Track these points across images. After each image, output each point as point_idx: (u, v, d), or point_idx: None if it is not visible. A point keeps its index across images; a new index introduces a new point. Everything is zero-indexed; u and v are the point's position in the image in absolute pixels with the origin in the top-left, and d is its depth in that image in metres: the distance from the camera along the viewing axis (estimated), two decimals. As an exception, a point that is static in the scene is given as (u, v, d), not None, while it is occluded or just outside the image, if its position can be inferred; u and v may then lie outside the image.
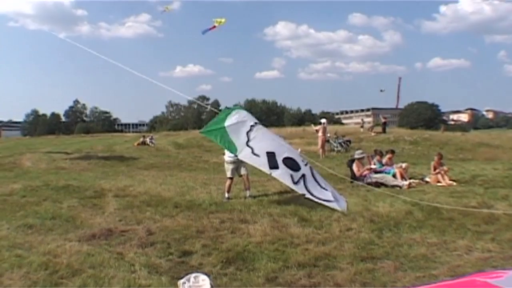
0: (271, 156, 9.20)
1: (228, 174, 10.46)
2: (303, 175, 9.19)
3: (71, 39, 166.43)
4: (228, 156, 10.37)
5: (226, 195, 10.26)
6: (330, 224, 7.65)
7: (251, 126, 9.60)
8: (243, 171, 10.48)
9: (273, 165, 9.14)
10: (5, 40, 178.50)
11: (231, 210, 8.87)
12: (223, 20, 15.91)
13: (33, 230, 7.37)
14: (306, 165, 9.56)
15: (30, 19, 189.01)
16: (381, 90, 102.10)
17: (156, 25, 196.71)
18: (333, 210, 8.57)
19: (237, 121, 9.60)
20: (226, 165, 10.60)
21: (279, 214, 8.41)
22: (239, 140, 9.43)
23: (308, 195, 8.99)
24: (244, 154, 9.40)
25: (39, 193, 11.12)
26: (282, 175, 9.16)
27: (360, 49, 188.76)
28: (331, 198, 8.93)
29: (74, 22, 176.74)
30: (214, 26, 15.92)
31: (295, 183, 9.07)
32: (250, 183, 10.63)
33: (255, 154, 9.28)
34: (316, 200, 8.88)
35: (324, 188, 9.23)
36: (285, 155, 9.35)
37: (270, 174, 9.25)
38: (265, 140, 9.62)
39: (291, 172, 9.13)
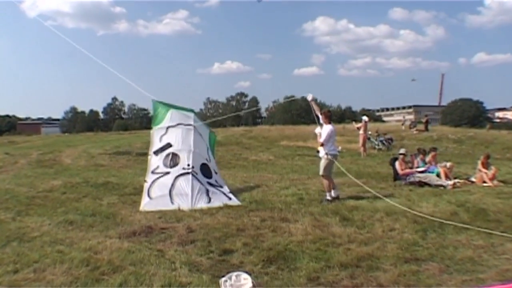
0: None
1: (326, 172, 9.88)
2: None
3: (109, 36, 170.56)
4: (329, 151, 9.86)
5: (332, 193, 9.75)
6: (372, 224, 7.55)
7: (168, 127, 10.76)
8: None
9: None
10: (44, 39, 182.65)
11: (271, 208, 8.84)
12: None
13: (74, 227, 7.56)
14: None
15: (69, 17, 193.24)
16: (413, 80, 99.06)
17: (194, 21, 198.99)
18: (375, 210, 8.51)
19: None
20: (324, 161, 9.86)
21: (320, 213, 8.35)
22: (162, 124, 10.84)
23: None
24: (157, 130, 10.70)
25: (79, 190, 11.43)
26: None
27: (401, 44, 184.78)
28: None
29: (112, 20, 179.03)
30: None
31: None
32: (291, 181, 10.57)
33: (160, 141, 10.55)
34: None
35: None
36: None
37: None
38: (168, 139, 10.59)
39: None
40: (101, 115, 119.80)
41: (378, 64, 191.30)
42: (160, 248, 6.27)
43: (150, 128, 11.14)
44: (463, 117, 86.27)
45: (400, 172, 12.61)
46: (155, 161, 10.15)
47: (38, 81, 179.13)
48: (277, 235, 6.96)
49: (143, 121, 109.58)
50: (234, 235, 6.91)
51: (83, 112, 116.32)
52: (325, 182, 9.76)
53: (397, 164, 12.81)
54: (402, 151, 13.45)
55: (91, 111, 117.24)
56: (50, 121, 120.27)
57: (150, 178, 9.87)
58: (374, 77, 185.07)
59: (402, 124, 42.18)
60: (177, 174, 9.83)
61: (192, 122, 10.94)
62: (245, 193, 10.65)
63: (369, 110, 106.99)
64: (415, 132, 35.24)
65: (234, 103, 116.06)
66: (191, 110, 11.35)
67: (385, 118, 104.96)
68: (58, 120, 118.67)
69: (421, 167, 13.00)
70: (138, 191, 10.90)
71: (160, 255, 5.93)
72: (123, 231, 7.19)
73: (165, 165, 10.03)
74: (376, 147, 25.92)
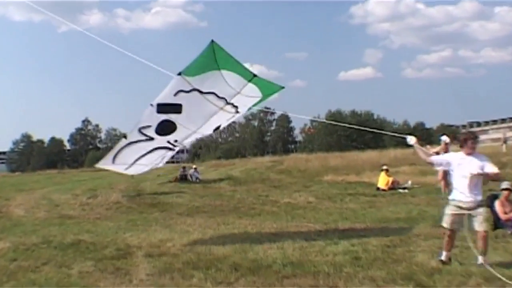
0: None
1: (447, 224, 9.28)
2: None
3: (75, 34, 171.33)
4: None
5: (443, 254, 9.19)
6: (464, 293, 7.35)
7: (194, 89, 10.68)
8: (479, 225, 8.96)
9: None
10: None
11: (314, 273, 8.72)
12: None
13: (29, 310, 7.47)
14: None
15: (14, 6, 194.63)
16: None
17: (196, 10, 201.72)
18: (468, 274, 8.28)
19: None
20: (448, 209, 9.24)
21: (385, 279, 8.23)
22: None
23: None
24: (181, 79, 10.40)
25: (36, 254, 11.30)
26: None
27: (496, 28, 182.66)
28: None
29: (80, 10, 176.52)
30: None
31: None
32: (341, 233, 10.30)
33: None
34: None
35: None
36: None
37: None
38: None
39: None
40: (67, 145, 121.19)
41: (462, 59, 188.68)
42: None
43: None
44: None
45: (502, 216, 12.29)
46: (153, 118, 10.91)
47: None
48: (324, 313, 6.80)
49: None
50: (262, 315, 6.81)
51: (40, 141, 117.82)
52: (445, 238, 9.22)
53: (497, 204, 12.48)
54: (505, 185, 13.03)
55: (53, 139, 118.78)
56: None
57: (133, 136, 11.17)
58: (457, 78, 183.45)
59: (503, 145, 41.75)
60: (159, 145, 11.72)
61: (232, 99, 11.25)
62: (276, 251, 10.55)
63: (451, 126, 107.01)
64: (522, 155, 34.82)
65: (256, 123, 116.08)
66: (252, 77, 10.91)
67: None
68: (3, 153, 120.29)
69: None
70: (123, 254, 10.96)
71: None
72: (102, 313, 7.14)
73: (156, 130, 11.15)
74: (463, 179, 25.49)
